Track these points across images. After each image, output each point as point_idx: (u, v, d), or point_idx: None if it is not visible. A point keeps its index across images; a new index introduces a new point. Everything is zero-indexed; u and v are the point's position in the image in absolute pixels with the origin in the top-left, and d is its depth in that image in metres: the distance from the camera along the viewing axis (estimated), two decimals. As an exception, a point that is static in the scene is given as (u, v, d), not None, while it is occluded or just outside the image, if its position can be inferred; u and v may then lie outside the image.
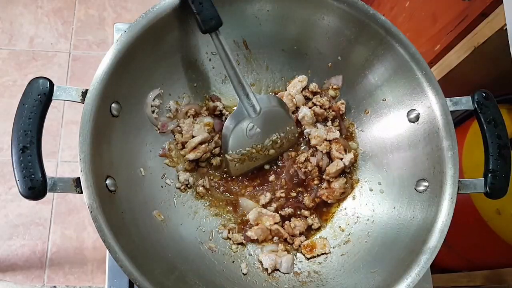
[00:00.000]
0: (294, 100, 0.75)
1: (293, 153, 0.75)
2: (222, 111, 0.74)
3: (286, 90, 0.76)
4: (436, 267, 1.13)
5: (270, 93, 0.78)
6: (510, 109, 0.91)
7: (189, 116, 0.73)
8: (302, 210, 0.73)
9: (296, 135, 0.75)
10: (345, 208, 0.73)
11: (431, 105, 0.63)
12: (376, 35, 0.66)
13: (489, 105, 0.61)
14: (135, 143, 0.66)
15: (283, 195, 0.73)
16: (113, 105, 0.60)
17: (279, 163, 0.75)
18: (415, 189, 0.65)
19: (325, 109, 0.75)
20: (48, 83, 0.55)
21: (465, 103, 0.62)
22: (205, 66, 0.72)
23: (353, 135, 0.76)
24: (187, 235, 0.68)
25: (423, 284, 0.67)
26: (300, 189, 0.74)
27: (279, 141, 0.72)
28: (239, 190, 0.74)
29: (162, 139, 0.71)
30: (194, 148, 0.71)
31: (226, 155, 0.70)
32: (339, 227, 0.72)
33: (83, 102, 0.56)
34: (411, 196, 0.65)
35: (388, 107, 0.70)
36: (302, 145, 0.77)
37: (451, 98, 0.62)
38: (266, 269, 0.67)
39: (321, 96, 0.76)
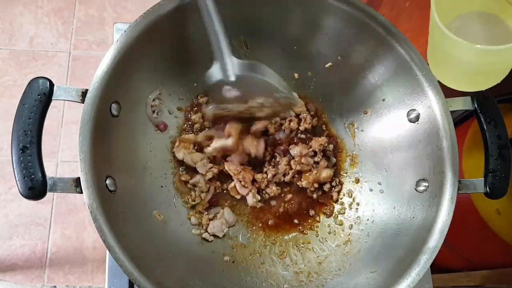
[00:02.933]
0: None
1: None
2: None
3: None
4: (436, 267, 1.13)
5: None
6: (510, 109, 0.91)
7: None
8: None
9: (292, 101, 0.71)
10: (345, 208, 0.73)
11: (431, 105, 0.63)
12: (376, 35, 0.66)
13: (489, 105, 0.61)
14: (135, 143, 0.66)
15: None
16: (113, 105, 0.60)
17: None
18: (415, 189, 0.65)
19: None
20: (48, 83, 0.56)
21: (465, 103, 0.62)
22: (205, 66, 0.72)
23: (353, 135, 0.76)
24: (187, 235, 0.68)
25: (423, 284, 0.67)
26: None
27: (268, 105, 0.68)
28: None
29: (162, 139, 0.71)
30: None
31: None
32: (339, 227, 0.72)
33: (83, 102, 0.56)
34: (411, 196, 0.65)
35: (388, 107, 0.70)
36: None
37: (451, 98, 0.62)
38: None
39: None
